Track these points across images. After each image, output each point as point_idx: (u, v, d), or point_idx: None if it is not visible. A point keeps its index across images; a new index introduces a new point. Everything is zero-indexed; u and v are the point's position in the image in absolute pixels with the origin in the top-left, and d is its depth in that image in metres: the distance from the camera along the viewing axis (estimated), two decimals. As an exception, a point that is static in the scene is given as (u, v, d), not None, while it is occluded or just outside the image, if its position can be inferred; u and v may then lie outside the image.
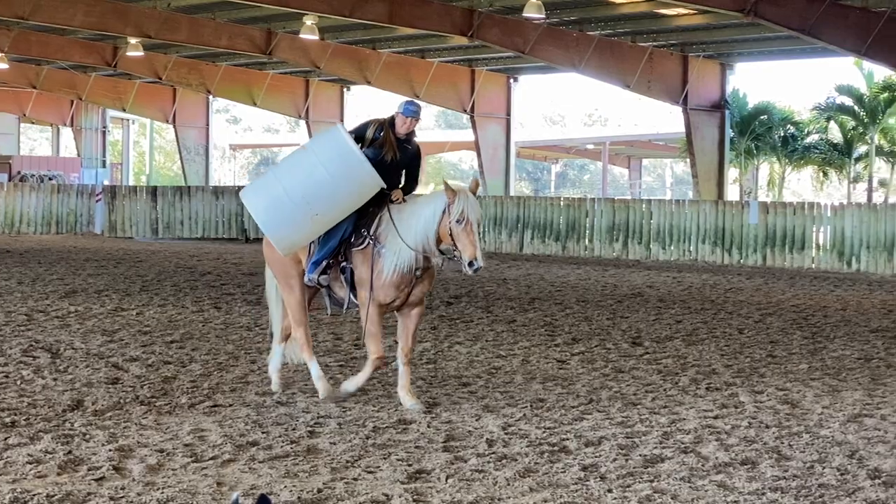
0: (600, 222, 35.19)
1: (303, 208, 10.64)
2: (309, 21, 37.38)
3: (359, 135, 11.00)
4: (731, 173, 45.97)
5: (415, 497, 7.75)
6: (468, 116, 48.14)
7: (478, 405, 10.83)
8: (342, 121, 51.36)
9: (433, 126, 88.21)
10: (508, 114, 47.50)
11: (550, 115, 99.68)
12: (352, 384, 10.94)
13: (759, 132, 45.96)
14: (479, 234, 10.45)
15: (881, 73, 43.60)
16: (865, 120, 44.89)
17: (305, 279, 11.06)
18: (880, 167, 49.20)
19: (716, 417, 10.58)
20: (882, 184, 50.66)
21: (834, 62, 71.58)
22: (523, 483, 8.15)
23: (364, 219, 10.87)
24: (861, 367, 13.80)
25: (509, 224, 36.89)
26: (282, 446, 9.05)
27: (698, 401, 11.42)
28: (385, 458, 8.75)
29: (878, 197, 48.44)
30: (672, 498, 7.87)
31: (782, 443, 9.54)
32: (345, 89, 52.06)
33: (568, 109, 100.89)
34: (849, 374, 13.26)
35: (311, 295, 11.52)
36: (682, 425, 10.19)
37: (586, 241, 35.36)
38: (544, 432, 9.77)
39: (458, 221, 10.38)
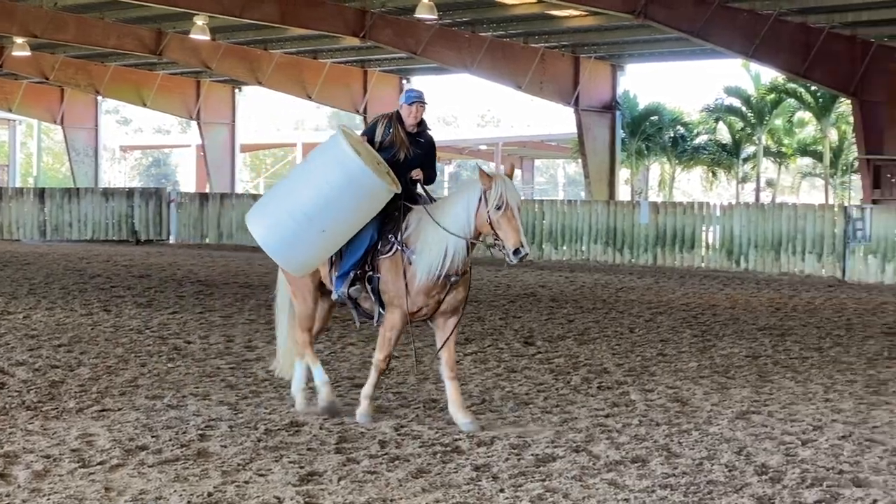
0: (493, 223, 35.21)
1: (307, 226, 9.85)
2: (199, 21, 37.03)
3: (369, 137, 10.36)
4: (623, 174, 46.41)
5: (307, 500, 7.70)
6: (361, 117, 48.05)
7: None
8: (233, 122, 51.03)
9: (326, 127, 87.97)
10: (401, 114, 47.40)
11: (443, 116, 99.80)
12: (362, 397, 10.32)
13: (650, 133, 46.45)
14: (520, 219, 9.84)
15: (768, 74, 44.30)
16: (753, 121, 45.59)
17: (334, 295, 10.36)
18: (767, 167, 49.97)
19: (607, 416, 10.66)
20: (769, 184, 51.49)
21: (722, 64, 72.67)
22: (415, 484, 8.14)
23: (390, 224, 10.15)
24: (749, 365, 13.99)
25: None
26: (172, 450, 8.95)
27: (590, 400, 11.50)
28: (277, 461, 8.69)
29: (765, 197, 49.22)
30: (563, 497, 7.91)
31: (672, 440, 9.64)
32: (236, 90, 51.67)
33: (461, 110, 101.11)
34: (737, 372, 13.44)
35: (330, 306, 10.89)
36: (573, 424, 10.25)
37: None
38: (437, 433, 9.77)
39: (497, 208, 9.73)
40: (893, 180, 34.02)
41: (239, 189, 52.96)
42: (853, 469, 8.77)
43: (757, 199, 46.88)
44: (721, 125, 48.13)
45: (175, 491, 7.80)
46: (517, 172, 74.66)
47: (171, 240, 41.28)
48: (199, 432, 9.60)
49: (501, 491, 8.01)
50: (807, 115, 46.56)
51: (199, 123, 51.77)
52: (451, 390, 10.09)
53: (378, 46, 39.31)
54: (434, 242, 9.91)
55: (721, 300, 22.24)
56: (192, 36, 38.59)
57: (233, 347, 14.54)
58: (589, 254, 33.28)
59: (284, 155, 78.83)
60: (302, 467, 8.52)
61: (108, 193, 42.86)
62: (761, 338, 16.58)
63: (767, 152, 47.39)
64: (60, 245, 38.51)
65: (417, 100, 10.35)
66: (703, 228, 31.53)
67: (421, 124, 10.45)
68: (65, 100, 54.63)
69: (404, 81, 47.61)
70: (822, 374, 13.33)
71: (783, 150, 47.89)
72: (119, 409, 10.50)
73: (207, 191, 48.19)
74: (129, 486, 7.92)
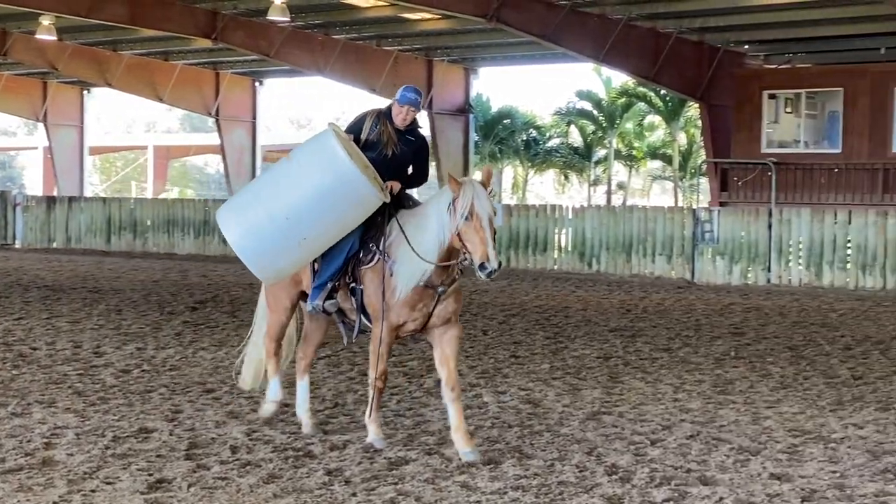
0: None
1: (287, 232, 9.12)
2: (45, 21, 36.37)
3: (355, 133, 9.70)
4: (476, 177, 46.70)
5: (155, 508, 7.58)
6: (213, 120, 47.64)
7: (222, 411, 10.67)
8: (82, 125, 50.20)
9: (178, 129, 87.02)
10: (254, 117, 47.24)
11: (297, 119, 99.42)
12: (368, 420, 9.60)
13: (503, 136, 46.87)
14: (490, 230, 8.85)
15: (619, 78, 44.97)
16: (604, 124, 46.26)
17: (308, 306, 9.75)
18: (618, 170, 50.73)
19: (460, 418, 10.65)
20: (620, 186, 52.25)
21: (575, 68, 73.46)
22: (267, 489, 8.06)
23: (371, 231, 9.43)
24: (600, 366, 14.13)
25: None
26: (15, 459, 8.73)
27: (443, 402, 11.48)
28: (125, 469, 8.53)
29: (616, 199, 49.94)
30: (416, 500, 7.89)
31: (524, 442, 9.68)
32: (85, 91, 50.82)
33: (315, 112, 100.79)
34: (588, 373, 13.56)
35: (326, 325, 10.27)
36: (426, 427, 10.25)
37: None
38: (289, 437, 9.69)
39: (465, 218, 8.87)
40: (740, 183, 34.77)
41: (88, 192, 52.07)
42: (700, 468, 8.90)
43: (608, 201, 47.55)
44: (573, 129, 48.78)
45: (19, 501, 7.61)
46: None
47: (17, 244, 40.38)
48: (45, 440, 9.38)
49: (354, 495, 7.97)
50: (656, 119, 47.44)
51: (45, 125, 50.85)
52: (454, 414, 9.25)
53: (230, 48, 39.02)
54: (407, 262, 9.20)
55: (573, 302, 22.45)
56: (37, 36, 37.92)
57: (80, 353, 14.26)
58: (443, 256, 33.31)
59: (135, 158, 77.76)
60: (151, 475, 8.37)
61: (-49, 197, 41.83)
62: (612, 339, 16.76)
63: (618, 155, 48.13)
64: None
65: (411, 104, 9.67)
66: (556, 231, 31.78)
67: (413, 124, 9.84)
68: None
69: (257, 84, 47.40)
70: (671, 375, 13.52)
71: (634, 153, 48.70)
72: (-39, 418, 10.23)
73: (55, 194, 47.31)
74: (-29, 498, 7.72)
